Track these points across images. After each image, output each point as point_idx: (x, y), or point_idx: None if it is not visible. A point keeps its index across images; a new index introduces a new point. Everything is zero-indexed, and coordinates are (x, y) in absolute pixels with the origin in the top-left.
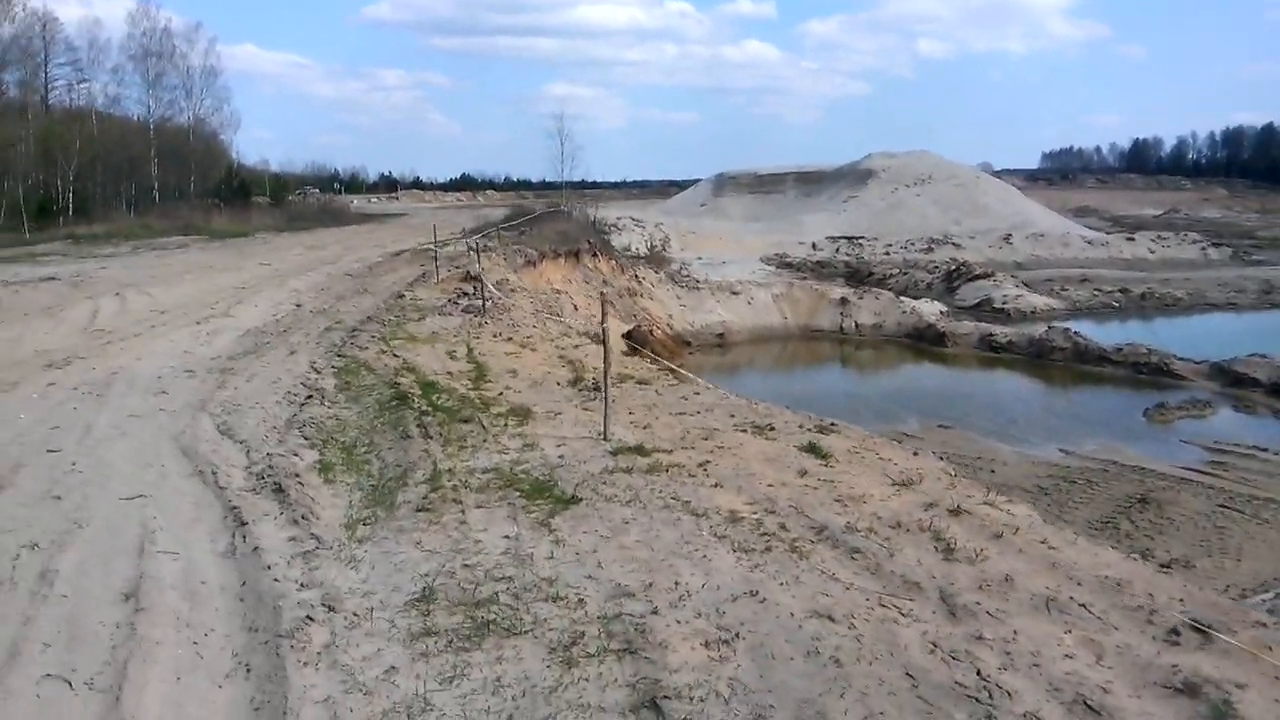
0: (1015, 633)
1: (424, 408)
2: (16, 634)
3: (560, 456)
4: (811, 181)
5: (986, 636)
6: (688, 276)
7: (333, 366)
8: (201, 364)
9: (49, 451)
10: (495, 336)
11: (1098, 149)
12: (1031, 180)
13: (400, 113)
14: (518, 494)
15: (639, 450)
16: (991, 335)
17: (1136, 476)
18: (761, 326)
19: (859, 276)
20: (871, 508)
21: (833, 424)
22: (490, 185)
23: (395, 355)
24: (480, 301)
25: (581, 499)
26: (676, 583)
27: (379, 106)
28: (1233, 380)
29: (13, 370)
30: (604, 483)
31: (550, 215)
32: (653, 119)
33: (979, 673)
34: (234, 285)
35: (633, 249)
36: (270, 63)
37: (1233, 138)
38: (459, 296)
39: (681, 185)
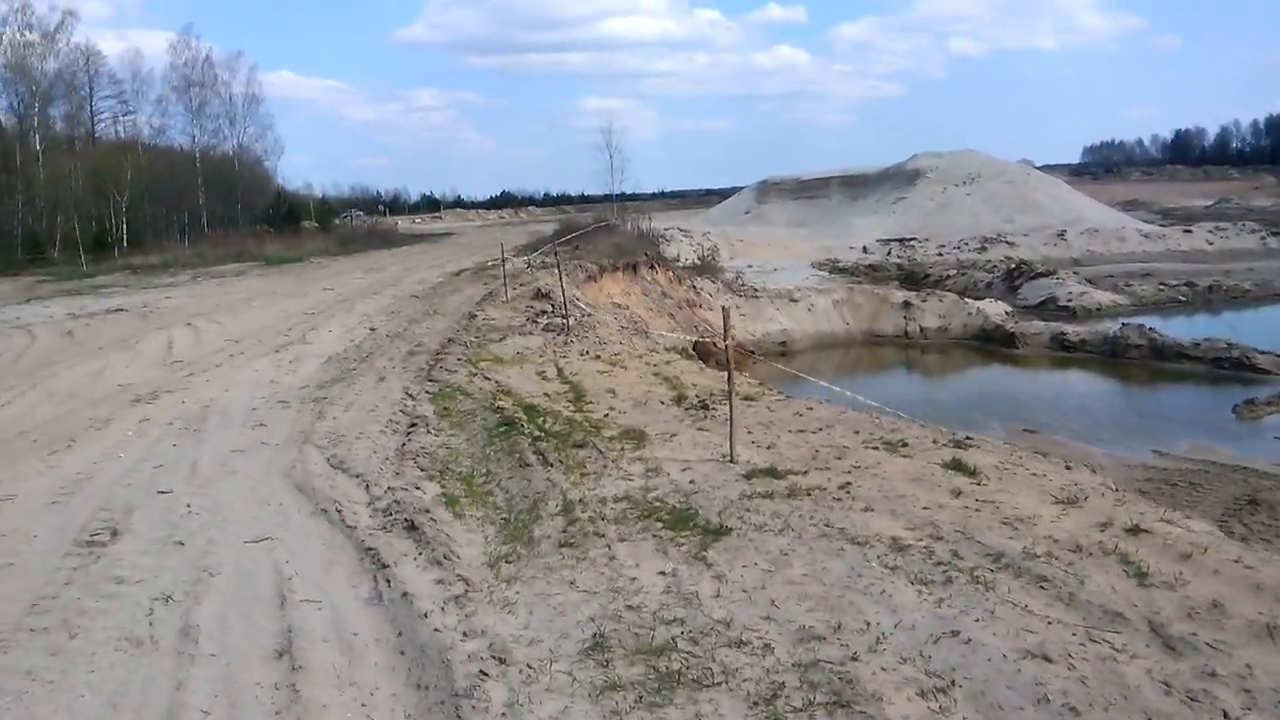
0: (1249, 666)
1: (534, 432)
2: (171, 701)
3: (691, 482)
4: (856, 185)
5: (1220, 673)
6: (745, 285)
7: (426, 392)
8: (292, 394)
9: (160, 493)
10: (583, 355)
11: (1139, 141)
12: (1075, 175)
13: (437, 132)
14: (659, 524)
15: (772, 473)
16: (1064, 334)
17: (1239, 476)
18: (823, 333)
19: (914, 279)
20: (1043, 529)
21: (969, 438)
22: (531, 201)
23: (486, 378)
24: (562, 319)
25: (730, 529)
26: (867, 623)
27: (415, 127)
28: None
29: (100, 406)
30: (747, 510)
31: (602, 229)
32: (685, 129)
33: (1225, 715)
34: (302, 311)
35: (682, 259)
36: (306, 88)
37: (1277, 124)
38: (538, 315)
39: (719, 194)
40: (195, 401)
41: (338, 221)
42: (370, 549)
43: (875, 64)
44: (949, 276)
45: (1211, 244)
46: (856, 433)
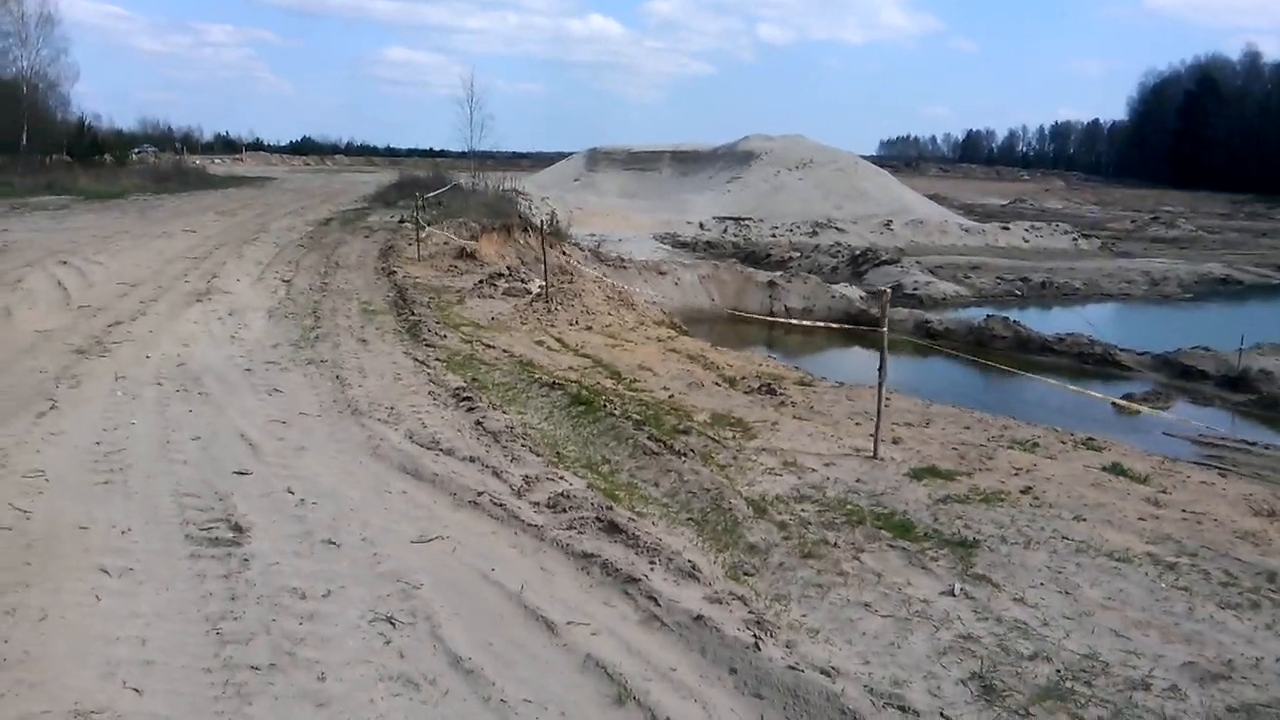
0: None
1: (623, 414)
2: None
3: (859, 480)
4: (688, 160)
5: None
6: (615, 255)
7: (436, 359)
8: (269, 353)
9: (237, 474)
10: (574, 325)
11: (933, 138)
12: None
13: (231, 70)
14: (884, 532)
15: (937, 473)
16: (928, 322)
17: None
18: (691, 308)
19: (755, 259)
20: (1277, 544)
21: (1090, 438)
22: (336, 149)
23: (488, 345)
24: (540, 286)
25: (976, 541)
26: (1257, 657)
27: (208, 63)
28: (1180, 372)
29: (38, 356)
30: (958, 517)
31: (456, 187)
32: (496, 88)
33: None
34: (182, 255)
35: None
36: (87, 12)
37: (1060, 132)
38: (494, 278)
39: (531, 158)
40: (161, 356)
41: (134, 157)
42: (589, 555)
43: (686, 42)
44: (792, 259)
45: (1027, 242)
46: (968, 428)
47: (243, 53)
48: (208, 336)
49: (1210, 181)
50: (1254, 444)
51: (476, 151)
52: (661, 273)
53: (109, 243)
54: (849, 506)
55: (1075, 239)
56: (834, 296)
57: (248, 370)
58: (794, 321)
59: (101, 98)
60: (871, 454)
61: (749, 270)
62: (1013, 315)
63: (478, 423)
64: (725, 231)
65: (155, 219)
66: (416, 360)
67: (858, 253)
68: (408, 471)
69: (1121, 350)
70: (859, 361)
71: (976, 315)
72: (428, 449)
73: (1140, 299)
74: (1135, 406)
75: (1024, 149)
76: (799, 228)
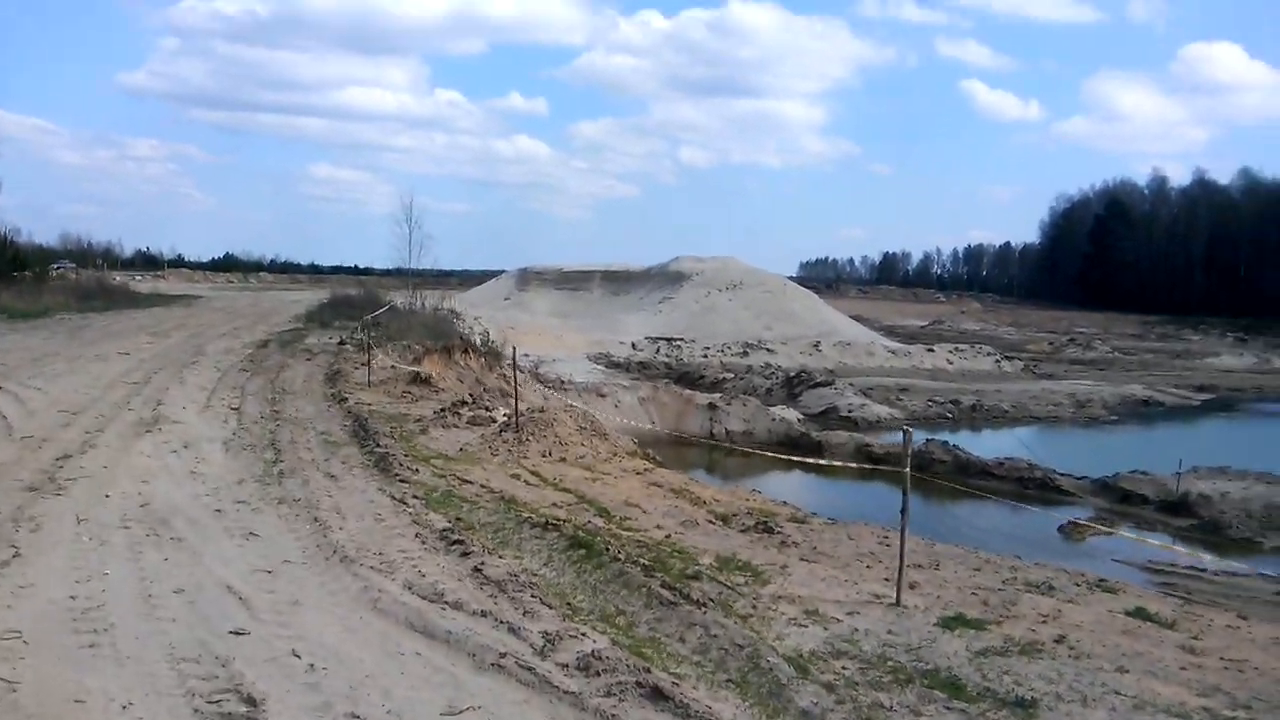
0: None
1: (625, 557)
2: None
3: (889, 632)
4: (619, 280)
5: None
6: (551, 376)
7: (414, 496)
8: (234, 491)
9: (233, 633)
10: (546, 457)
11: (850, 260)
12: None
13: (154, 185)
14: (936, 691)
15: (964, 621)
16: (868, 445)
17: None
18: (631, 430)
19: (688, 379)
20: None
21: (1102, 579)
22: (260, 266)
23: (464, 480)
24: (505, 416)
25: (1031, 700)
26: None
27: (131, 177)
28: (1121, 497)
29: None
30: (1005, 673)
31: (391, 307)
32: (423, 206)
33: None
34: (120, 380)
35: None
36: (12, 126)
37: (973, 254)
38: (459, 406)
39: (457, 276)
40: (121, 495)
41: (54, 273)
42: None
43: (611, 163)
44: (725, 380)
45: (951, 363)
46: (978, 569)
47: (167, 167)
48: (166, 472)
49: (1120, 303)
50: (1203, 570)
51: (415, 270)
52: (601, 395)
53: (41, 366)
54: (890, 663)
55: (998, 361)
56: (774, 419)
57: (217, 511)
58: (742, 448)
59: (20, 211)
60: (894, 601)
61: (688, 392)
62: (947, 438)
63: (476, 569)
64: (658, 352)
65: (86, 340)
66: (393, 498)
67: (792, 374)
68: (416, 629)
69: (1060, 475)
70: (810, 487)
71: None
72: (432, 602)
73: (1067, 421)
74: (1084, 529)
75: (938, 270)
76: (730, 348)
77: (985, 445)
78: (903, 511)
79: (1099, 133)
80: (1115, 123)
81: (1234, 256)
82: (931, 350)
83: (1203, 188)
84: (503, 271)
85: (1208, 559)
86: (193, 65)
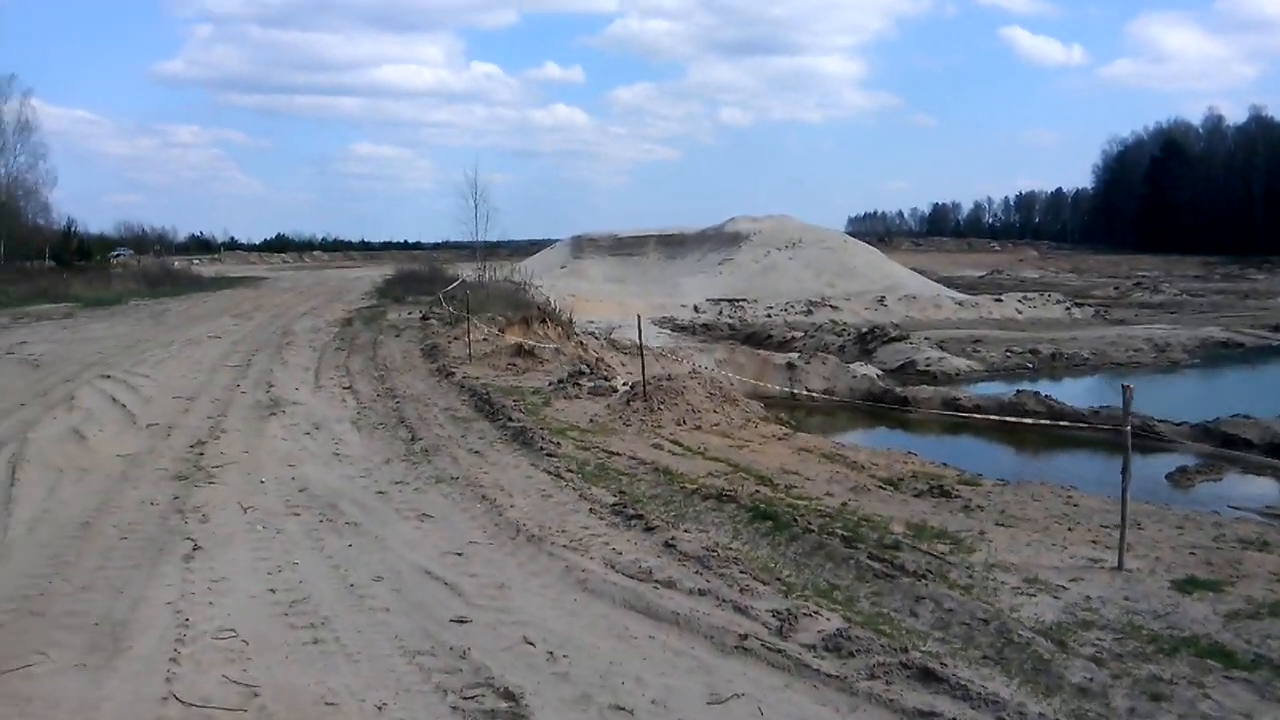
0: None
1: (815, 528)
2: None
3: (1127, 599)
4: (674, 244)
5: None
6: (629, 342)
7: (567, 470)
8: (383, 471)
9: (455, 622)
10: (681, 425)
11: (899, 213)
12: None
13: (198, 171)
14: (1211, 661)
15: (1198, 584)
16: (956, 399)
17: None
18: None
19: (756, 339)
20: None
21: None
22: (311, 245)
23: (610, 452)
24: (605, 380)
25: None
26: None
27: (174, 164)
28: (1223, 441)
29: (144, 486)
30: (1268, 637)
31: (462, 281)
32: (462, 180)
33: None
34: (221, 364)
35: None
36: (53, 118)
37: (1024, 202)
38: (575, 377)
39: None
40: (274, 481)
41: (113, 260)
42: (928, 714)
43: (650, 128)
44: (794, 338)
45: (1021, 312)
46: (1180, 528)
47: (210, 153)
48: (308, 455)
49: (1179, 245)
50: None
51: (483, 243)
52: (678, 359)
53: (138, 353)
54: (1145, 632)
55: (1068, 308)
56: (854, 376)
57: (380, 493)
58: (823, 399)
59: (72, 202)
60: (1115, 565)
61: (765, 353)
62: (1029, 387)
63: (668, 544)
64: (720, 313)
65: (171, 325)
66: (549, 473)
67: (864, 331)
68: (638, 610)
69: (1159, 421)
70: (906, 443)
71: (990, 389)
72: (641, 581)
73: (1149, 366)
74: (1193, 475)
75: (990, 219)
76: (793, 307)
77: (1071, 393)
78: (1123, 472)
79: (1146, 74)
80: (1162, 64)
81: None
82: (999, 300)
83: (1260, 125)
84: (554, 240)
85: None
86: (227, 51)
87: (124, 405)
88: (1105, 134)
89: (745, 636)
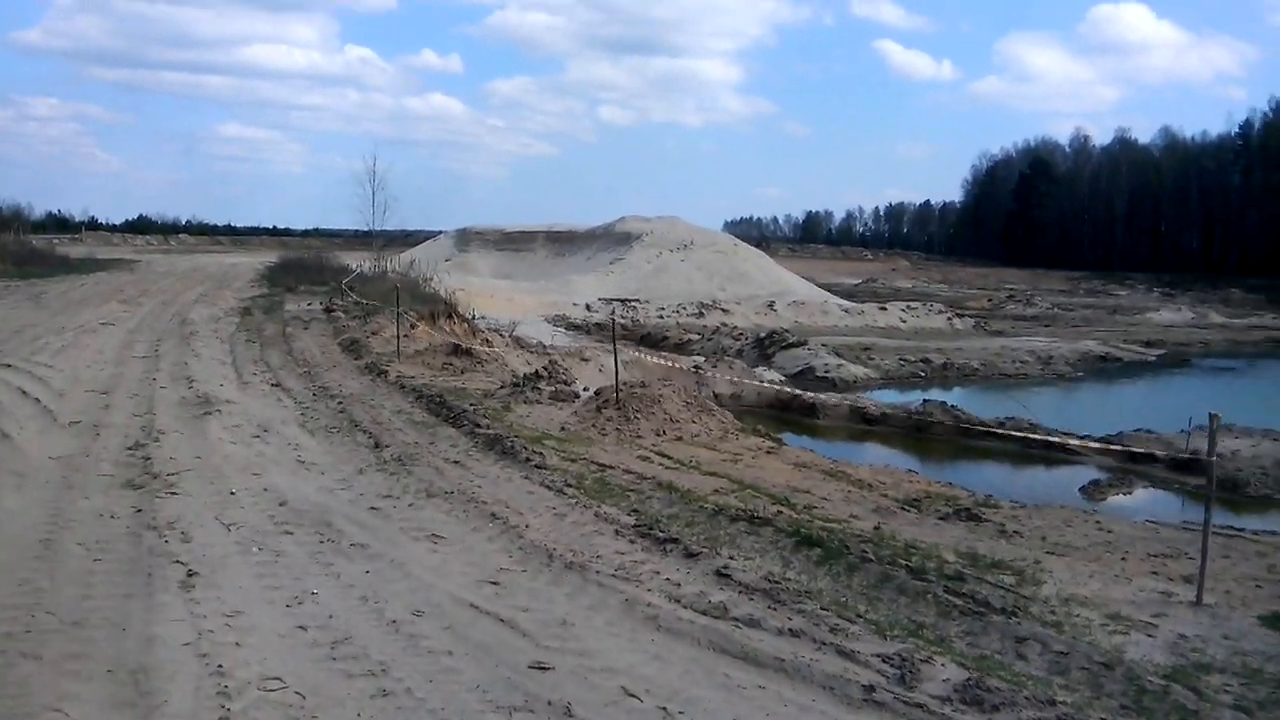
0: None
1: (872, 556)
2: None
3: (1224, 636)
4: (563, 241)
5: None
6: (536, 342)
7: (567, 485)
8: (363, 484)
9: (535, 669)
10: (661, 435)
11: (774, 219)
12: None
13: (56, 145)
14: None
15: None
16: (864, 408)
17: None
18: None
19: (651, 341)
20: None
21: None
22: (176, 228)
23: (601, 465)
24: (565, 385)
25: None
26: None
27: (31, 138)
28: (1129, 456)
29: (94, 495)
30: None
31: (355, 273)
32: (334, 165)
33: None
34: (127, 354)
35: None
36: None
37: (894, 213)
38: (534, 379)
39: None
40: (245, 492)
41: None
42: None
43: (529, 121)
44: (690, 341)
45: (905, 321)
46: (1228, 556)
47: (68, 127)
48: (270, 463)
49: (1043, 259)
50: (1241, 530)
51: (380, 232)
52: (585, 359)
53: (29, 339)
54: (1266, 675)
55: (950, 319)
56: (762, 382)
57: (374, 509)
58: (732, 404)
59: None
60: (1194, 600)
61: (673, 356)
62: (930, 396)
63: (720, 574)
64: (613, 313)
65: (53, 309)
66: (547, 487)
67: (763, 335)
68: (731, 654)
69: (1065, 434)
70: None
71: (889, 397)
72: (716, 618)
73: (1036, 378)
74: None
75: (861, 229)
76: (685, 308)
77: (970, 403)
78: (1206, 505)
79: (1013, 93)
80: (1029, 83)
81: (1154, 213)
82: (884, 309)
83: (1123, 146)
84: (435, 232)
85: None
86: (90, 22)
87: (37, 399)
88: (975, 149)
89: (870, 688)
